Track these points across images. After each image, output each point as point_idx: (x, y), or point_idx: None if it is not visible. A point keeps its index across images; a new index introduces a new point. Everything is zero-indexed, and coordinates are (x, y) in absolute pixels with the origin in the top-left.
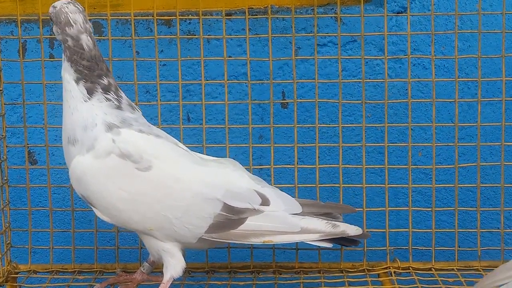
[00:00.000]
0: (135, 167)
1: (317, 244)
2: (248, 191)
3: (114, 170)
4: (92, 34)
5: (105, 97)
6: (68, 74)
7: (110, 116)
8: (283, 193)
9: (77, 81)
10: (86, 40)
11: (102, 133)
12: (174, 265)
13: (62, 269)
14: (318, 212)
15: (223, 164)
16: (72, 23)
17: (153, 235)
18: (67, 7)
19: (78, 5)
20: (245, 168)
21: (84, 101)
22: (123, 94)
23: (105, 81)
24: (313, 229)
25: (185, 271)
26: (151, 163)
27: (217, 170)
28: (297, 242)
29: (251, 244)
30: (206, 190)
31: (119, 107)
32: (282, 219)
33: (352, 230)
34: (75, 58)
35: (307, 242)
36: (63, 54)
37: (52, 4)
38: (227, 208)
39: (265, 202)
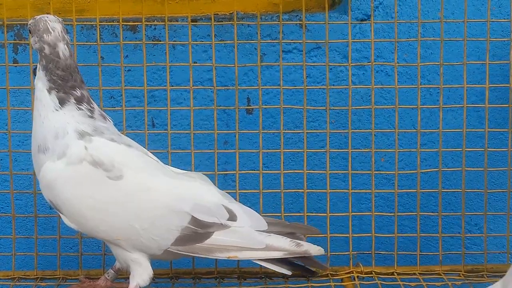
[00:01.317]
0: (106, 175)
1: (277, 270)
2: (216, 206)
3: (85, 177)
4: (70, 45)
5: (77, 107)
6: (41, 83)
7: (82, 125)
8: (250, 209)
9: (49, 90)
10: (63, 49)
11: (74, 140)
12: (141, 273)
13: (24, 275)
14: (282, 231)
15: (192, 178)
16: (51, 30)
17: (120, 244)
18: (47, 17)
19: (58, 18)
20: (210, 174)
21: (56, 110)
22: (95, 105)
23: (78, 92)
24: (278, 247)
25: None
26: (122, 172)
27: (186, 183)
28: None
29: None
30: (175, 203)
31: (91, 117)
32: (248, 235)
33: (314, 250)
34: (50, 67)
35: (267, 267)
36: (38, 64)
37: (33, 17)
38: (195, 221)
39: (232, 217)
